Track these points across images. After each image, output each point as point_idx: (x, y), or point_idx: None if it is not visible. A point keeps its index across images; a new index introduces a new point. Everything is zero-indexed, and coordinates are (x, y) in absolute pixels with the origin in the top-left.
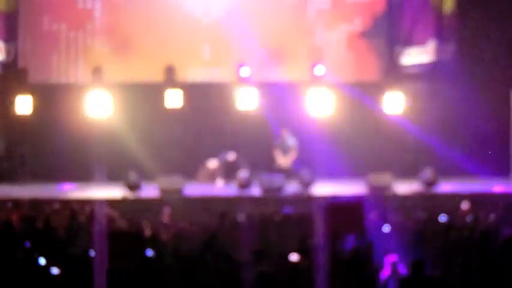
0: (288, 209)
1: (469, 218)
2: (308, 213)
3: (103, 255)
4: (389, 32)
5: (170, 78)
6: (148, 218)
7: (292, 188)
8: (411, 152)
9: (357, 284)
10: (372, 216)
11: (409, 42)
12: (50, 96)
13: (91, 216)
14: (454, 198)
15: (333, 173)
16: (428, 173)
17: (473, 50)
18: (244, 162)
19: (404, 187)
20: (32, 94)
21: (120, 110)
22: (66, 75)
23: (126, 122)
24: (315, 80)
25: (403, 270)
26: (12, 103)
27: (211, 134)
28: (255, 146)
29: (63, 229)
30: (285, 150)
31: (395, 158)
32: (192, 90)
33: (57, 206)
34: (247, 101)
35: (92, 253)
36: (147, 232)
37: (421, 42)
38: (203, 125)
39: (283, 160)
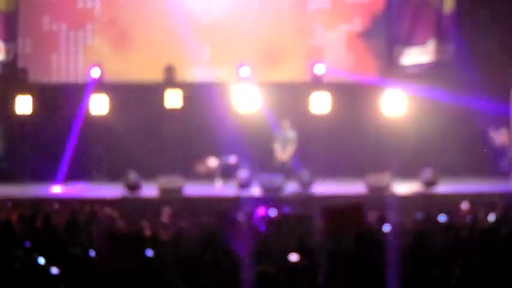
0: (287, 209)
1: (468, 218)
2: (308, 213)
3: (103, 255)
4: (388, 32)
5: (169, 78)
6: (148, 217)
7: (291, 187)
8: (411, 152)
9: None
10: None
11: (408, 42)
12: (50, 96)
13: (91, 216)
14: (454, 199)
15: (332, 173)
16: (428, 173)
17: (473, 50)
18: (245, 165)
19: (404, 187)
20: (32, 94)
21: (120, 109)
22: (66, 74)
23: (126, 121)
24: (315, 79)
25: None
26: (12, 103)
27: (211, 133)
28: (254, 146)
29: (63, 229)
30: (285, 143)
31: (394, 158)
32: (192, 90)
33: (57, 205)
34: (246, 100)
35: (92, 253)
36: (147, 232)
37: (420, 42)
38: (203, 125)
39: (282, 153)
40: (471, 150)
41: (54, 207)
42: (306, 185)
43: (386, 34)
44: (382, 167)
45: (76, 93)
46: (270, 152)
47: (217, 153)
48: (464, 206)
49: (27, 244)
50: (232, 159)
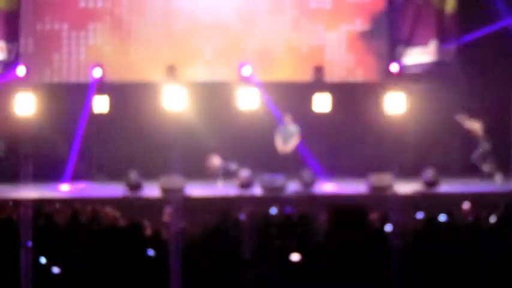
0: (289, 209)
1: (470, 218)
2: (309, 213)
3: (104, 255)
4: (389, 32)
5: (172, 77)
6: (149, 217)
7: (293, 187)
8: (412, 152)
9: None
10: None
11: (410, 42)
12: (51, 96)
13: (92, 216)
14: (455, 198)
15: (333, 173)
16: (429, 173)
17: (474, 51)
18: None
19: (405, 187)
20: (34, 93)
21: (122, 109)
22: (68, 74)
23: (127, 121)
24: (316, 79)
25: None
26: (13, 103)
27: (212, 133)
28: (255, 145)
29: (65, 228)
30: (287, 136)
31: (396, 158)
32: (194, 90)
33: (58, 205)
34: (248, 100)
35: (94, 253)
36: (148, 231)
37: (422, 43)
38: (204, 125)
39: (283, 147)
40: (471, 150)
41: (55, 207)
42: (307, 185)
43: (387, 34)
44: (383, 167)
45: (78, 93)
46: (270, 153)
47: (218, 153)
48: (465, 206)
49: (29, 244)
50: (232, 166)
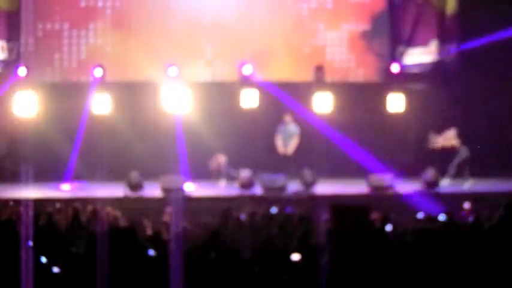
0: (289, 209)
1: (470, 218)
2: (310, 213)
3: (105, 255)
4: (390, 32)
5: (173, 78)
6: (150, 217)
7: (293, 187)
8: (412, 152)
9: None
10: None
11: (410, 42)
12: (52, 95)
13: (93, 216)
14: (456, 198)
15: (334, 173)
16: (429, 173)
17: (475, 51)
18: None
19: (405, 187)
20: (34, 93)
21: (122, 109)
22: (68, 74)
23: (128, 121)
24: (316, 79)
25: None
26: (14, 102)
27: (213, 133)
28: (256, 145)
29: (65, 228)
30: (287, 137)
31: (396, 158)
32: (194, 89)
33: (59, 205)
34: (249, 100)
35: (94, 252)
36: (149, 231)
37: (423, 43)
38: (205, 124)
39: (284, 147)
40: (472, 150)
41: (56, 207)
42: (308, 185)
43: (388, 34)
44: (383, 167)
45: (79, 92)
46: (271, 152)
47: (219, 152)
48: (466, 206)
49: (30, 243)
50: (234, 172)
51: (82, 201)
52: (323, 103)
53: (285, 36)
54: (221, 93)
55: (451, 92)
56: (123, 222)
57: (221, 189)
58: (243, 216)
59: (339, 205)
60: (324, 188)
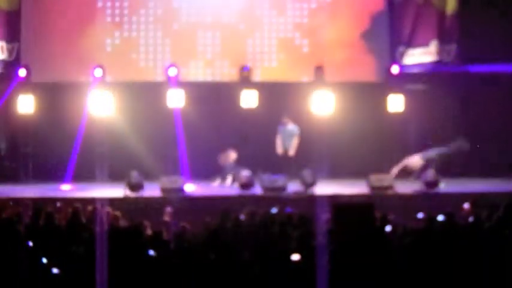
0: (289, 209)
1: (470, 218)
2: (310, 213)
3: (104, 255)
4: (390, 32)
5: (173, 78)
6: (150, 217)
7: (293, 187)
8: (412, 152)
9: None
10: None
11: (410, 42)
12: (52, 96)
13: (93, 216)
14: (455, 199)
15: (334, 173)
16: (429, 173)
17: (475, 51)
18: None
19: (405, 187)
20: (35, 93)
21: (123, 109)
22: (68, 74)
23: (128, 121)
24: (317, 79)
25: None
26: (14, 102)
27: (213, 133)
28: (256, 145)
29: (66, 228)
30: (286, 137)
31: (396, 158)
32: (195, 89)
33: (59, 205)
34: (249, 100)
35: (94, 252)
36: (149, 231)
37: (423, 44)
38: (205, 124)
39: (281, 149)
40: (472, 149)
41: (56, 207)
42: (308, 185)
43: (387, 34)
44: (384, 167)
45: (79, 92)
46: (271, 152)
47: (219, 152)
48: (466, 206)
49: (30, 244)
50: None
51: (82, 202)
52: (323, 103)
53: (285, 36)
54: (221, 93)
55: (451, 92)
56: (123, 222)
57: (221, 189)
58: (243, 216)
59: (341, 204)
60: (324, 188)
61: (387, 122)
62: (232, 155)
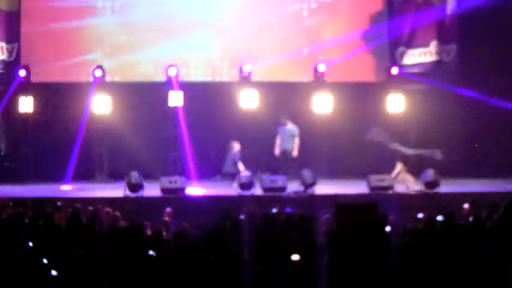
0: (289, 209)
1: (470, 218)
2: (310, 213)
3: (105, 255)
4: (390, 32)
5: (173, 78)
6: (150, 217)
7: (293, 187)
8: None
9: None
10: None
11: (410, 43)
12: (52, 96)
13: (93, 216)
14: (455, 199)
15: (334, 173)
16: (429, 173)
17: (475, 51)
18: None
19: (405, 187)
20: (34, 93)
21: (122, 109)
22: (68, 74)
23: (128, 121)
24: (316, 79)
25: None
26: (14, 103)
27: (214, 133)
28: (256, 145)
29: (66, 228)
30: (286, 138)
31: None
32: (195, 89)
33: (59, 205)
34: (249, 100)
35: (94, 252)
36: (149, 231)
37: (423, 44)
38: (206, 124)
39: (279, 149)
40: (473, 149)
41: (56, 207)
42: (308, 185)
43: (387, 34)
44: (384, 167)
45: (79, 93)
46: (271, 152)
47: (220, 152)
48: (466, 206)
49: (30, 243)
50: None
51: (82, 201)
52: (323, 103)
53: (285, 36)
54: (221, 93)
55: (451, 92)
56: (123, 222)
57: (220, 189)
58: (243, 216)
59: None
60: (324, 188)
61: (387, 122)
62: (236, 146)
